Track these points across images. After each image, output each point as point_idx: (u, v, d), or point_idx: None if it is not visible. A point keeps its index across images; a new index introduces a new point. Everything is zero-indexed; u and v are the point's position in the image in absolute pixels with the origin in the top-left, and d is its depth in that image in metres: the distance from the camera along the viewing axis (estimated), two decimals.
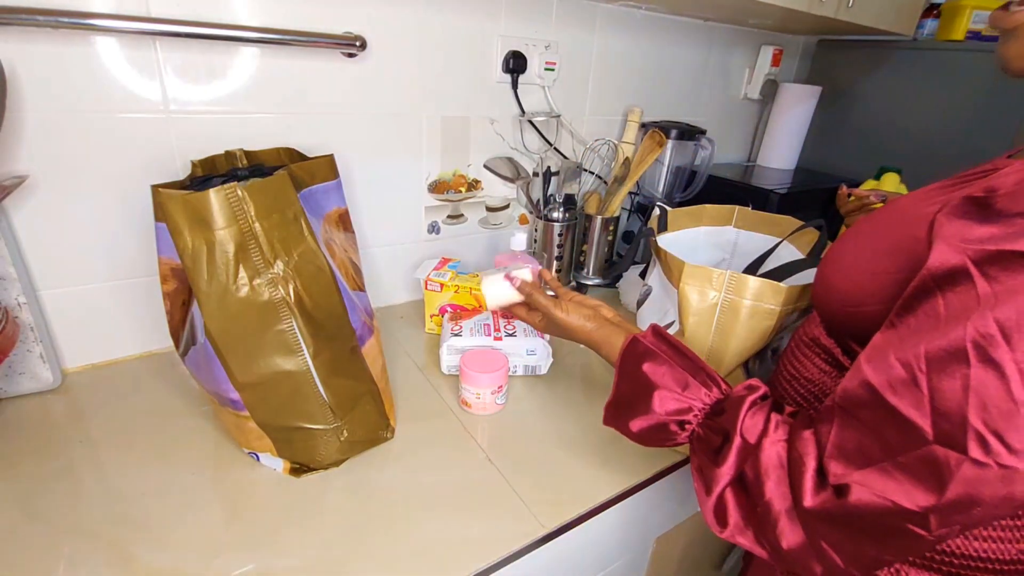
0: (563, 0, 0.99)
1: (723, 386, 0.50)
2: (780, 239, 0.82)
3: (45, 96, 0.64)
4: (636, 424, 0.51)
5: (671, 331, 0.68)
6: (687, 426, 0.49)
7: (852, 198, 0.81)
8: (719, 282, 0.64)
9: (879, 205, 0.78)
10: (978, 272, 0.33)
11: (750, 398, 0.45)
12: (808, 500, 0.38)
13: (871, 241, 0.47)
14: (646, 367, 0.51)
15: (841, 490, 0.37)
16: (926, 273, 0.36)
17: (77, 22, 0.61)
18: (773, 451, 0.42)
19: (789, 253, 0.80)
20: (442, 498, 0.60)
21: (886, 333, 0.38)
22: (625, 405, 0.53)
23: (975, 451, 0.32)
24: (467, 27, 0.91)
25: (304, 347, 0.56)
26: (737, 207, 0.84)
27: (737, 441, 0.44)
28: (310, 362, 0.56)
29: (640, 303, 0.79)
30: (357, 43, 0.78)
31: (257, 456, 0.62)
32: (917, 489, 0.34)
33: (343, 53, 0.80)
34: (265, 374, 0.55)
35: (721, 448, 0.45)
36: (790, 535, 0.40)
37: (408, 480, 0.62)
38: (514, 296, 0.67)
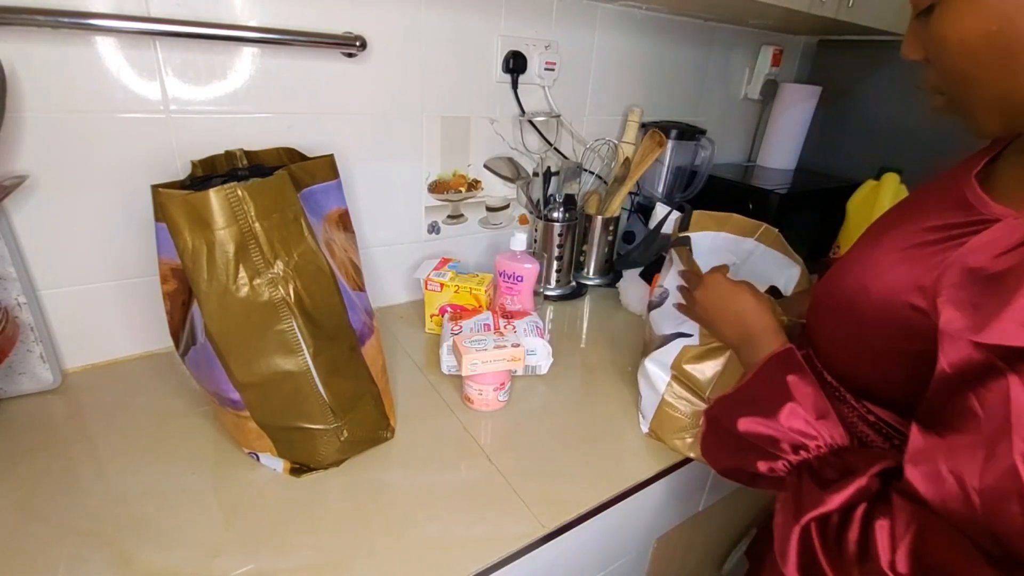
0: (563, 0, 0.99)
1: (852, 439, 0.46)
2: (797, 266, 0.80)
3: (45, 96, 0.64)
4: (746, 423, 0.48)
5: (692, 341, 0.68)
6: (801, 452, 0.45)
7: None
8: None
9: None
10: (1006, 366, 0.32)
11: (884, 462, 0.41)
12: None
13: (851, 321, 0.45)
14: (791, 378, 0.47)
15: None
16: (950, 372, 0.35)
17: (77, 22, 0.61)
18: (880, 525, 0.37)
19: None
20: (442, 498, 0.60)
21: (928, 438, 0.36)
22: (745, 402, 0.50)
23: None
24: (467, 27, 0.90)
25: (304, 347, 0.56)
26: (765, 224, 0.82)
27: (863, 481, 0.39)
28: (310, 362, 0.56)
29: (654, 306, 0.79)
30: (357, 43, 0.78)
31: (257, 456, 0.62)
32: None
33: (343, 53, 0.80)
34: (265, 374, 0.55)
35: (838, 481, 0.41)
36: None
37: (408, 480, 0.62)
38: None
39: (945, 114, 0.44)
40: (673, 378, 0.69)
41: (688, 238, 0.74)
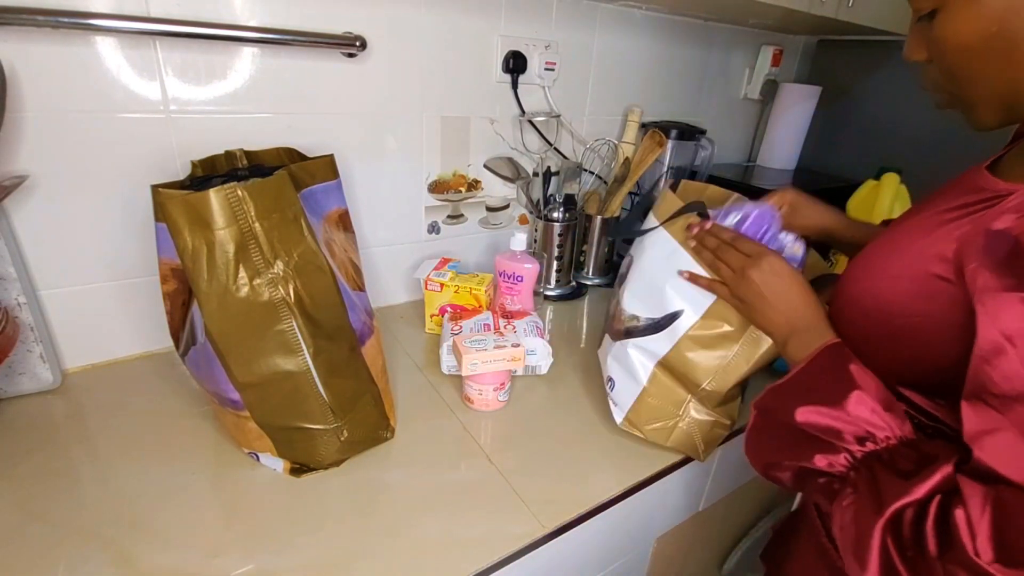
0: (563, 0, 0.99)
1: (918, 433, 0.44)
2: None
3: (45, 96, 0.64)
4: (805, 413, 0.45)
5: (688, 319, 0.63)
6: (867, 444, 0.42)
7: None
8: None
9: None
10: None
11: (960, 454, 0.39)
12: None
13: (875, 306, 0.46)
14: (855, 367, 0.45)
15: None
16: (998, 334, 0.35)
17: (77, 22, 0.61)
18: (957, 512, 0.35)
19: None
20: (442, 498, 0.60)
21: (985, 413, 0.36)
22: (802, 392, 0.47)
23: None
24: (467, 27, 0.90)
25: (304, 347, 0.56)
26: (736, 194, 0.81)
27: (948, 469, 0.37)
28: (310, 362, 0.56)
29: (620, 279, 0.72)
30: (357, 43, 0.78)
31: (257, 456, 0.62)
32: None
33: (343, 53, 0.80)
34: (265, 374, 0.55)
35: (917, 472, 0.38)
36: None
37: (408, 480, 0.62)
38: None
39: (947, 108, 0.47)
40: (659, 366, 0.65)
41: (703, 204, 0.64)
